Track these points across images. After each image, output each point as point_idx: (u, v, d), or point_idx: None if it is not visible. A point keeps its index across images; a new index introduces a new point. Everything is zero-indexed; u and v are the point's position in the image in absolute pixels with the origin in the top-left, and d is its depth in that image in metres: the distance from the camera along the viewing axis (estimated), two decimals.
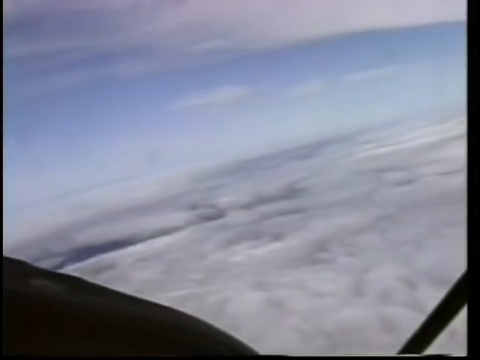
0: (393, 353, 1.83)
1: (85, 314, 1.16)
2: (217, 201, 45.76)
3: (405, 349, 1.76)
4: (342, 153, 57.81)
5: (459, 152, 40.21)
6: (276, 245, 29.93)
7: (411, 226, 25.39)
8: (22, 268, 1.32)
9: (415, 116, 73.23)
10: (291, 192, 43.14)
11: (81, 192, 76.95)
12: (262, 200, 42.32)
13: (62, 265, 37.56)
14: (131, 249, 37.24)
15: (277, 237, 31.28)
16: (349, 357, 1.94)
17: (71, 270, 31.18)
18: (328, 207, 34.13)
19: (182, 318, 1.27)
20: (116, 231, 43.54)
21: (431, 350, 1.72)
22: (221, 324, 1.21)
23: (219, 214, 41.75)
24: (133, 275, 29.24)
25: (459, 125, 55.81)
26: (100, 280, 19.28)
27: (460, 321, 1.57)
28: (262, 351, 1.20)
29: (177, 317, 1.27)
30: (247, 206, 41.81)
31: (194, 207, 46.68)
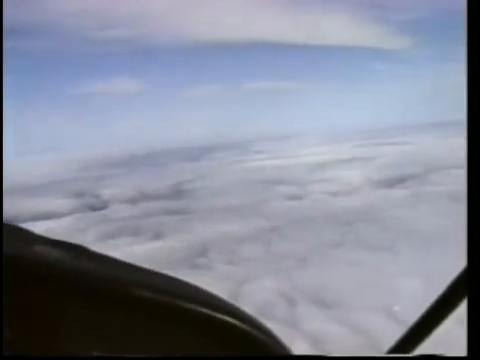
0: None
1: (87, 280, 1.19)
2: (102, 192, 44.64)
3: (400, 344, 1.67)
4: (232, 160, 58.09)
5: (349, 174, 41.30)
6: (156, 244, 29.34)
7: (295, 242, 25.44)
8: (22, 234, 1.37)
9: (309, 133, 75.05)
10: (177, 192, 42.74)
11: None
12: (147, 197, 41.75)
13: None
14: None
15: (158, 236, 30.75)
16: (349, 357, 1.48)
17: None
18: (213, 212, 33.89)
19: (185, 287, 1.28)
20: None
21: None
22: None
23: (102, 205, 40.76)
24: None
25: (352, 148, 58.01)
26: None
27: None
28: None
29: (180, 286, 1.28)
30: (131, 201, 41.09)
31: (79, 195, 45.32)
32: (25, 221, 37.13)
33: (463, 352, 1.28)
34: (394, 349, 1.70)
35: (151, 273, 1.32)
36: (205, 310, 1.21)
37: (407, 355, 1.60)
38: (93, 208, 40.72)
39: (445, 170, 38.56)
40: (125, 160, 65.15)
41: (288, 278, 21.39)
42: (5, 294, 1.13)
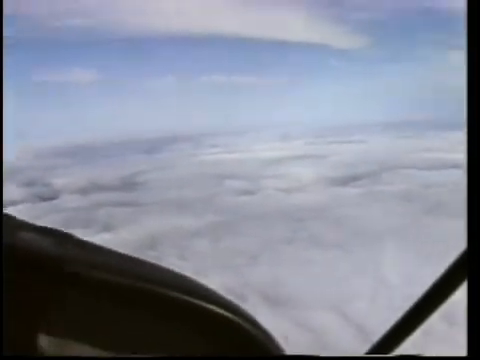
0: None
1: (73, 268, 1.22)
2: (53, 181, 43.76)
3: (391, 332, 1.63)
4: (187, 153, 57.81)
5: (302, 171, 41.39)
6: (106, 236, 28.70)
7: (247, 237, 25.21)
8: (9, 221, 1.40)
9: (264, 128, 75.10)
10: (129, 184, 42.26)
11: None
12: (98, 188, 41.15)
13: None
14: None
15: (108, 228, 30.09)
16: (349, 357, 1.60)
17: None
18: (165, 205, 33.54)
19: (171, 276, 1.32)
20: None
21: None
22: None
23: (53, 195, 39.92)
24: None
25: (306, 145, 58.38)
26: None
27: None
28: None
29: (167, 275, 1.32)
30: (82, 191, 40.40)
31: (29, 184, 44.29)
32: None
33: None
34: (388, 336, 1.64)
35: (137, 261, 1.35)
36: (191, 299, 1.25)
37: (411, 355, 1.48)
38: (43, 198, 39.82)
39: (398, 170, 38.95)
40: (78, 150, 64.23)
41: (239, 274, 21.13)
42: None
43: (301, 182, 37.46)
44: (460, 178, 35.34)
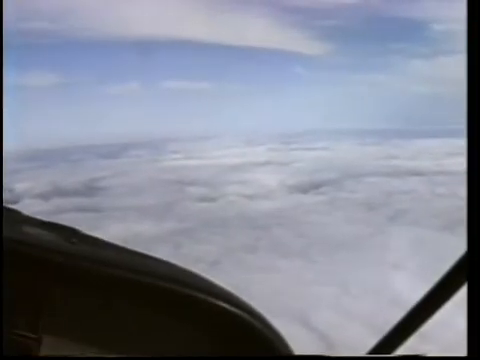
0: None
1: (78, 263, 1.22)
2: (15, 186, 42.93)
3: (393, 333, 1.65)
4: (148, 159, 57.48)
5: (264, 177, 41.22)
6: None
7: (208, 244, 24.79)
8: (14, 216, 1.46)
9: (226, 134, 75.12)
10: (90, 189, 41.67)
11: None
12: (60, 193, 40.60)
13: None
14: None
15: None
16: (350, 357, 1.61)
17: None
18: (126, 211, 33.03)
19: (177, 271, 1.34)
20: None
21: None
22: None
23: (15, 200, 39.13)
24: None
25: (268, 152, 58.49)
26: None
27: None
28: None
29: (173, 270, 1.34)
30: (44, 196, 39.71)
31: None
32: None
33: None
34: (389, 336, 1.63)
35: (144, 256, 1.36)
36: (200, 295, 1.25)
37: (411, 355, 1.47)
38: (4, 203, 38.75)
39: (361, 178, 39.03)
40: (40, 154, 63.42)
41: None
42: None
43: (263, 189, 37.27)
44: (422, 186, 35.70)
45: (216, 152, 58.10)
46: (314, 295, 16.97)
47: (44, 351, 1.27)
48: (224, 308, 1.28)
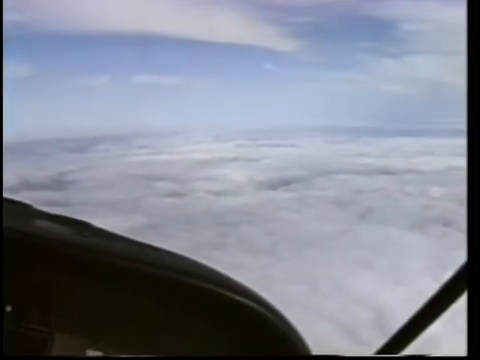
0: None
1: (91, 255, 1.24)
2: None
3: (393, 340, 1.57)
4: (115, 153, 57.14)
5: (233, 173, 41.04)
6: None
7: (174, 240, 24.44)
8: (26, 210, 1.46)
9: (195, 130, 74.94)
10: (58, 183, 41.31)
11: None
12: (28, 186, 40.07)
13: None
14: None
15: None
16: (351, 357, 1.56)
17: None
18: (94, 205, 32.74)
19: (192, 264, 1.35)
20: None
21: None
22: None
23: None
24: None
25: (237, 148, 58.39)
26: None
27: None
28: None
29: (182, 262, 1.35)
30: (11, 190, 38.92)
31: None
32: None
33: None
34: (391, 341, 1.57)
35: (156, 249, 1.38)
36: (213, 287, 1.26)
37: (410, 355, 1.49)
38: None
39: (330, 175, 39.08)
40: (8, 147, 62.21)
41: None
42: (9, 268, 1.17)
43: (232, 185, 37.11)
44: (391, 184, 35.81)
45: (185, 147, 57.90)
46: (282, 293, 16.70)
47: (56, 345, 1.27)
48: (240, 301, 1.28)
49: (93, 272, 1.24)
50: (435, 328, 1.55)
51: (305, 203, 30.54)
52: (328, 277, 17.32)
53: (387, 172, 40.18)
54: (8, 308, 1.23)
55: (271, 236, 23.05)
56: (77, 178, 42.63)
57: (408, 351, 1.56)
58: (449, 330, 8.94)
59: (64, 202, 33.89)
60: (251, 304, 1.30)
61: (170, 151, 56.10)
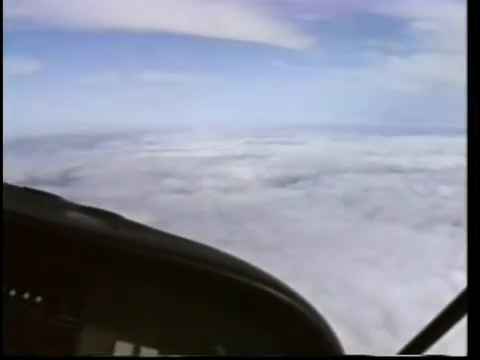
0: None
1: (121, 247, 1.26)
2: None
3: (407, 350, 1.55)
4: (123, 150, 57.06)
5: (241, 171, 40.99)
6: None
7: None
8: (57, 202, 1.52)
9: (204, 127, 74.87)
10: (65, 180, 41.03)
11: None
12: (35, 183, 39.69)
13: None
14: None
15: None
16: (353, 357, 1.50)
17: None
18: (101, 202, 32.16)
19: (223, 256, 1.37)
20: None
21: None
22: None
23: None
24: None
25: (245, 145, 58.32)
26: None
27: None
28: None
29: (212, 253, 1.38)
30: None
31: None
32: None
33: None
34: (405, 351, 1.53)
35: (187, 241, 1.41)
36: (244, 279, 1.27)
37: (410, 355, 1.49)
38: None
39: (338, 173, 38.96)
40: (15, 143, 62.67)
41: None
42: (40, 260, 1.22)
43: (239, 182, 37.10)
44: (400, 183, 35.67)
45: (193, 144, 57.91)
46: None
47: (86, 336, 1.29)
48: (271, 293, 1.29)
49: (124, 264, 1.26)
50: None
51: (313, 201, 30.46)
52: (335, 275, 17.24)
53: (395, 170, 40.02)
54: (12, 292, 1.24)
55: (278, 234, 22.97)
56: (84, 174, 42.57)
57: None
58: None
59: (71, 198, 33.90)
60: (283, 297, 1.31)
61: (178, 148, 55.94)
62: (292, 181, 37.21)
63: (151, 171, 42.18)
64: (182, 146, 57.37)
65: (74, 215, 1.39)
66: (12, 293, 1.23)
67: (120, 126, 78.62)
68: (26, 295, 1.23)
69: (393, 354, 1.57)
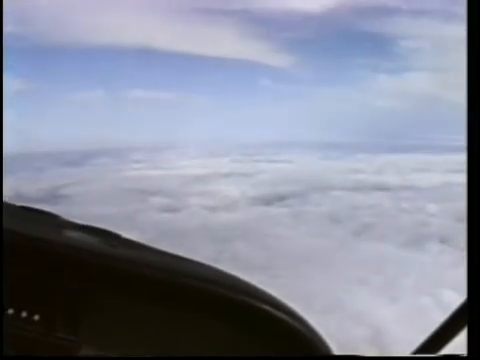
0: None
1: (120, 265, 1.26)
2: None
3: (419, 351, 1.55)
4: (110, 168, 57.02)
5: (228, 189, 41.02)
6: None
7: None
8: (55, 220, 1.49)
9: (190, 145, 75.09)
10: (53, 197, 40.75)
11: None
12: (22, 200, 39.17)
13: None
14: None
15: None
16: (354, 357, 1.45)
17: None
18: (87, 220, 31.80)
19: (220, 274, 1.36)
20: None
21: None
22: None
23: None
24: None
25: (232, 163, 58.54)
26: None
27: None
28: None
29: (209, 271, 1.37)
30: None
31: None
32: None
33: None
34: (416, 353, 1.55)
35: (184, 259, 1.40)
36: (242, 298, 1.27)
37: (410, 356, 1.49)
38: None
39: (325, 191, 39.06)
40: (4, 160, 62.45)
41: None
42: (38, 278, 1.21)
43: (226, 200, 37.08)
44: (387, 200, 35.80)
45: (180, 162, 58.06)
46: None
47: (83, 354, 1.28)
48: (267, 311, 1.28)
49: (123, 282, 1.25)
50: None
51: (300, 219, 30.48)
52: (323, 294, 17.21)
53: (382, 188, 40.20)
54: (10, 310, 1.23)
55: (266, 252, 22.94)
56: (72, 192, 42.26)
57: None
58: None
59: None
60: (280, 314, 1.30)
61: (165, 166, 56.08)
62: (279, 199, 37.22)
63: (138, 189, 42.01)
64: (169, 164, 57.51)
65: (72, 234, 1.39)
66: (10, 311, 1.23)
67: (108, 143, 78.68)
68: (24, 313, 1.23)
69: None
